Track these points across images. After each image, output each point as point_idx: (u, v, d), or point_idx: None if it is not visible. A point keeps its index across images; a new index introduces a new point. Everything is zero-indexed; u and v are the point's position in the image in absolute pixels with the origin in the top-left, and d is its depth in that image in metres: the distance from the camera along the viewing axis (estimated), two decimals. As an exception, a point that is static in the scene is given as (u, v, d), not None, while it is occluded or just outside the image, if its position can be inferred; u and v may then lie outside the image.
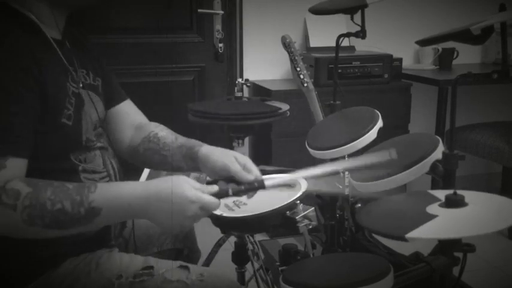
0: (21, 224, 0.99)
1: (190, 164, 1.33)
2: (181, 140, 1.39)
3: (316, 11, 1.78)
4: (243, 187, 1.16)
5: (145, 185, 1.08)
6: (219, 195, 1.10)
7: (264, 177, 1.21)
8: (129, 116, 1.45)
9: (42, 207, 1.00)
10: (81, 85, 1.23)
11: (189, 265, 1.23)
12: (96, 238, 1.24)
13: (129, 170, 1.44)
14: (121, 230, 1.35)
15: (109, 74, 1.41)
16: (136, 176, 1.75)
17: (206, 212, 1.07)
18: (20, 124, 1.05)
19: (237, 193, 1.15)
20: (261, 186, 1.16)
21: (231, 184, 1.16)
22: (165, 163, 1.39)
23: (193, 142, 1.36)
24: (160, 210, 1.04)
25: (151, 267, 1.21)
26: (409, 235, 0.91)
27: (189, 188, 1.06)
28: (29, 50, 1.09)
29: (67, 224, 1.02)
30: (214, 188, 1.10)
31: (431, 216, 0.97)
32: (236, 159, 1.21)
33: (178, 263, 1.24)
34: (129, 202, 1.05)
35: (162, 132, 1.42)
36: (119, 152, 1.44)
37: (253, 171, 1.19)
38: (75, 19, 1.30)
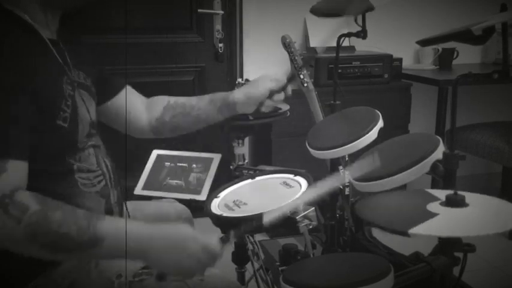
0: (21, 238, 0.98)
1: (227, 112, 1.43)
2: (206, 97, 1.46)
3: (317, 12, 1.78)
4: (242, 229, 1.14)
5: (151, 226, 1.08)
6: (223, 240, 1.09)
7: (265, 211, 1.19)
8: (134, 98, 1.49)
9: (48, 227, 0.99)
10: (75, 85, 1.23)
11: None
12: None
13: (122, 168, 1.44)
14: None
15: (102, 73, 1.43)
16: (130, 174, 1.75)
17: (209, 255, 1.06)
18: (18, 126, 1.04)
19: (239, 236, 1.14)
20: (259, 224, 1.14)
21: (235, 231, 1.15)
22: (198, 121, 1.46)
23: (220, 94, 1.46)
24: (160, 247, 1.04)
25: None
26: (411, 230, 0.92)
27: (191, 229, 1.07)
28: (28, 51, 1.09)
29: (67, 248, 1.01)
30: (214, 237, 1.09)
31: (432, 214, 0.97)
32: (269, 78, 1.38)
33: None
34: (133, 239, 1.03)
35: (180, 98, 1.47)
36: (138, 131, 1.47)
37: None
38: (72, 18, 1.30)
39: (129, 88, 1.49)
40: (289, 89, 1.46)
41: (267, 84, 1.42)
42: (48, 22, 1.20)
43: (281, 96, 1.43)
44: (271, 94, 1.43)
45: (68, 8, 1.23)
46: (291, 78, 1.48)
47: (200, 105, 1.45)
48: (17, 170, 1.02)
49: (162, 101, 1.46)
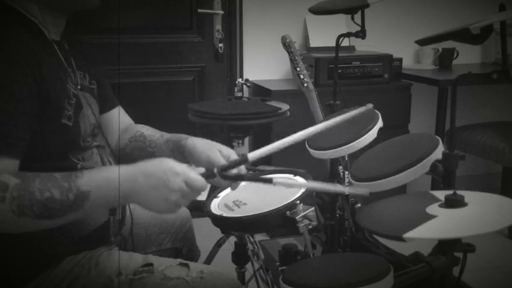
0: (10, 215, 0.98)
1: (179, 157, 1.36)
2: (167, 135, 1.43)
3: (316, 10, 1.78)
4: (227, 164, 1.16)
5: (133, 165, 1.08)
6: (205, 174, 1.09)
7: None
8: (117, 121, 1.47)
9: (31, 197, 0.99)
10: (79, 87, 1.23)
11: (189, 262, 1.23)
12: (95, 236, 1.24)
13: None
14: (119, 227, 1.35)
15: (103, 79, 1.43)
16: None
17: (192, 189, 1.06)
18: (17, 125, 1.04)
19: (223, 171, 1.13)
20: (244, 161, 1.15)
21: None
22: (153, 158, 1.41)
23: (179, 136, 1.40)
24: (145, 185, 1.04)
25: (151, 265, 1.21)
26: (406, 235, 0.91)
27: (174, 162, 1.07)
28: (32, 51, 1.09)
29: (57, 211, 1.01)
30: (201, 169, 1.11)
31: (430, 217, 0.97)
32: (220, 152, 1.23)
33: (178, 260, 1.25)
34: (117, 182, 1.05)
35: (148, 131, 1.45)
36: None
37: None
38: (74, 20, 1.31)
39: (118, 109, 1.48)
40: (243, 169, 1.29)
41: (218, 157, 1.29)
42: (53, 24, 1.20)
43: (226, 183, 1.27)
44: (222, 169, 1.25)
45: (75, 12, 1.24)
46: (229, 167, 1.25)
47: (158, 142, 1.43)
48: (7, 167, 1.02)
49: (131, 132, 1.46)
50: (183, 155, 1.35)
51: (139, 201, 1.08)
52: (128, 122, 1.51)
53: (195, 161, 1.31)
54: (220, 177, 1.13)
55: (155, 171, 1.05)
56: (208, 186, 1.49)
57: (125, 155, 1.43)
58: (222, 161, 1.21)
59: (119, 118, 1.47)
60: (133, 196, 1.06)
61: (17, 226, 1.01)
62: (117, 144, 1.46)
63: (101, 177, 1.06)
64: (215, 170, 1.11)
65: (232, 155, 1.25)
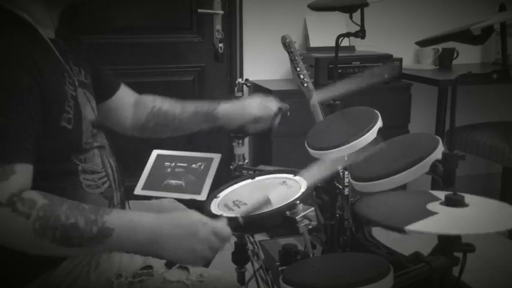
0: (31, 234, 0.98)
1: (210, 125, 1.42)
2: (191, 107, 1.45)
3: (315, 7, 1.78)
4: (251, 209, 1.16)
5: (159, 215, 1.08)
6: (231, 223, 1.10)
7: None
8: (125, 98, 1.49)
9: (56, 220, 0.99)
10: (76, 83, 1.22)
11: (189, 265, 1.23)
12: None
13: (127, 169, 1.44)
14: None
15: (99, 67, 1.43)
16: (134, 175, 1.76)
17: (219, 238, 1.06)
18: (24, 129, 1.04)
19: (247, 219, 1.13)
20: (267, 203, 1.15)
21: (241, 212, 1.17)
22: (179, 131, 1.48)
23: (206, 106, 1.43)
24: (171, 235, 1.04)
25: (151, 267, 1.21)
26: (408, 227, 0.91)
27: (199, 214, 1.07)
28: (29, 52, 1.08)
29: (78, 241, 1.00)
30: (224, 219, 1.10)
31: (431, 213, 0.97)
32: (254, 105, 1.33)
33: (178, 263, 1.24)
34: (142, 226, 1.04)
35: (165, 104, 1.47)
36: (123, 130, 1.49)
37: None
38: (70, 17, 1.30)
39: (122, 88, 1.50)
40: (276, 122, 1.45)
41: (253, 111, 1.42)
42: (48, 21, 1.19)
43: (265, 125, 1.41)
44: (256, 121, 1.42)
45: (69, 4, 1.23)
46: (279, 112, 1.46)
47: (183, 116, 1.45)
48: (24, 172, 1.02)
49: (146, 106, 1.47)
50: (215, 123, 1.40)
51: (162, 251, 1.05)
52: (134, 96, 1.52)
53: (231, 125, 1.40)
54: (243, 221, 1.13)
55: (182, 220, 1.05)
56: (208, 186, 1.50)
57: (146, 130, 1.46)
58: (266, 111, 1.35)
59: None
60: (157, 243, 1.05)
61: (34, 247, 1.00)
62: (132, 121, 1.47)
63: (127, 219, 1.05)
64: (240, 219, 1.10)
65: (270, 103, 1.37)
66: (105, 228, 1.01)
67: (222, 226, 1.07)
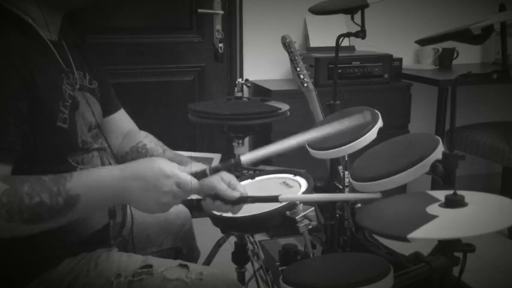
0: (0, 221, 0.98)
1: None
2: (170, 154, 1.42)
3: (316, 11, 1.78)
4: (220, 166, 1.13)
5: (123, 166, 1.08)
6: (197, 175, 1.09)
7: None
8: (120, 124, 1.47)
9: (20, 203, 0.99)
10: (77, 86, 1.22)
11: (189, 264, 1.23)
12: (95, 238, 1.24)
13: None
14: (120, 230, 1.34)
15: (106, 81, 1.42)
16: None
17: (183, 190, 1.06)
18: (9, 131, 1.03)
19: (215, 171, 1.12)
20: (238, 164, 1.12)
21: (210, 166, 1.14)
22: None
23: (181, 158, 1.39)
24: (136, 188, 1.04)
25: (151, 266, 1.21)
26: (410, 235, 0.91)
27: (165, 163, 1.06)
28: (22, 54, 1.08)
29: (48, 216, 1.01)
30: (193, 168, 1.10)
31: (432, 217, 0.97)
32: (222, 179, 1.18)
33: (178, 261, 1.24)
34: (107, 184, 1.05)
35: (151, 143, 1.44)
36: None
37: (238, 189, 1.17)
38: (74, 20, 1.30)
39: (121, 113, 1.49)
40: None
41: (220, 185, 1.21)
42: (49, 23, 1.19)
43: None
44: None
45: (70, 8, 1.23)
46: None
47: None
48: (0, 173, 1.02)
49: (134, 139, 1.45)
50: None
51: (130, 203, 1.08)
52: (130, 126, 1.50)
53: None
54: (218, 199, 1.12)
55: (145, 173, 1.05)
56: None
57: (124, 162, 1.42)
58: (224, 187, 1.15)
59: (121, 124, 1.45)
60: (125, 198, 1.07)
61: (7, 231, 1.01)
62: (118, 150, 1.45)
63: (91, 180, 1.06)
64: (207, 171, 1.10)
65: (232, 180, 1.19)
66: (71, 196, 1.02)
67: (185, 177, 1.06)
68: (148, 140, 1.45)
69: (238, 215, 1.22)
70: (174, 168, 1.06)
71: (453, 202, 1.00)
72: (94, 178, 1.06)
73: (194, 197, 1.30)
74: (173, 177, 1.05)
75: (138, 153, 1.42)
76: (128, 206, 1.35)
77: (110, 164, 1.30)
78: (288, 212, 1.23)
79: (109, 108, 1.43)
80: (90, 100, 1.27)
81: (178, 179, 1.05)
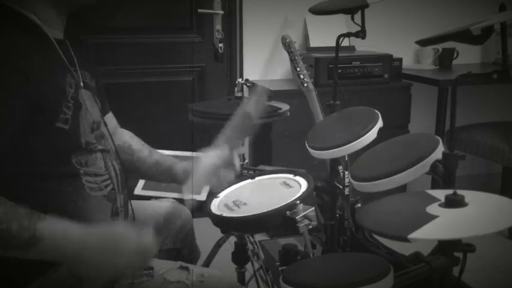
0: None
1: (167, 179, 1.42)
2: (156, 156, 1.44)
3: (316, 11, 1.78)
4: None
5: (86, 227, 1.06)
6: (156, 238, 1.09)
7: None
8: (111, 124, 1.45)
9: None
10: (82, 84, 1.22)
11: (190, 266, 1.23)
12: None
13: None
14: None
15: (100, 82, 1.41)
16: (130, 174, 1.76)
17: (144, 255, 1.06)
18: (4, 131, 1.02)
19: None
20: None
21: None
22: (138, 173, 1.47)
23: (169, 160, 1.42)
24: (95, 251, 1.03)
25: (151, 268, 1.21)
26: (411, 236, 0.91)
27: (126, 228, 1.07)
28: (23, 53, 1.07)
29: (4, 245, 0.99)
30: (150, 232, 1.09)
31: (432, 217, 0.97)
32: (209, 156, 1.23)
33: (179, 263, 1.24)
34: (71, 239, 1.03)
35: (137, 144, 1.46)
36: None
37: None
38: (75, 19, 1.30)
39: (109, 116, 1.47)
40: (237, 162, 1.37)
41: (208, 160, 1.35)
42: (55, 22, 1.19)
43: (230, 175, 1.36)
44: (217, 170, 1.36)
45: (77, 7, 1.22)
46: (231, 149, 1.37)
47: (146, 161, 1.44)
48: None
49: (117, 139, 1.43)
50: (173, 179, 1.40)
51: (88, 265, 1.05)
52: (114, 124, 1.49)
53: (187, 184, 1.35)
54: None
55: (106, 236, 1.05)
56: (208, 186, 1.50)
57: None
58: (220, 158, 1.20)
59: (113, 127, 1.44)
60: (79, 261, 1.04)
61: None
62: None
63: (59, 229, 1.03)
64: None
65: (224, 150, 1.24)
66: (35, 237, 1.00)
67: (147, 242, 1.06)
68: (134, 140, 1.47)
69: (238, 214, 1.22)
70: (135, 233, 1.06)
71: (453, 202, 1.00)
72: (62, 228, 1.04)
73: (194, 197, 1.30)
74: (134, 240, 1.05)
75: (124, 153, 1.43)
76: (130, 206, 1.35)
77: (113, 166, 1.28)
78: (288, 212, 1.23)
79: (105, 109, 1.43)
80: (92, 99, 1.27)
81: (139, 242, 1.06)
